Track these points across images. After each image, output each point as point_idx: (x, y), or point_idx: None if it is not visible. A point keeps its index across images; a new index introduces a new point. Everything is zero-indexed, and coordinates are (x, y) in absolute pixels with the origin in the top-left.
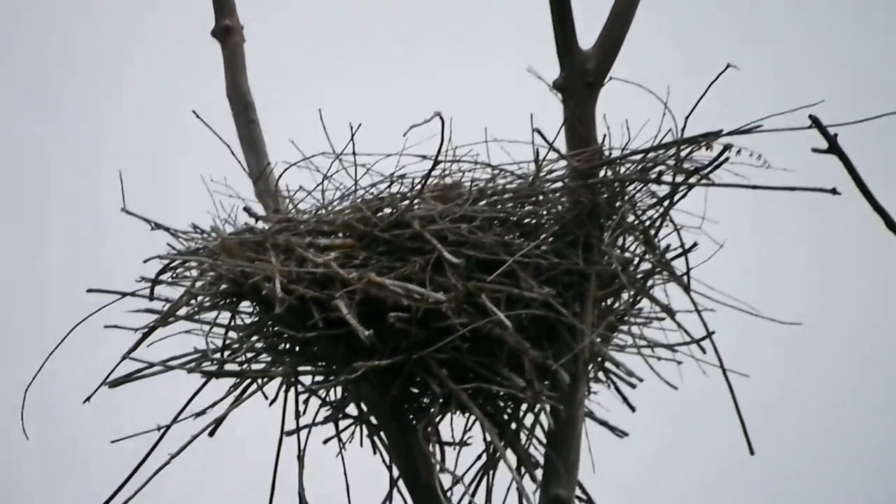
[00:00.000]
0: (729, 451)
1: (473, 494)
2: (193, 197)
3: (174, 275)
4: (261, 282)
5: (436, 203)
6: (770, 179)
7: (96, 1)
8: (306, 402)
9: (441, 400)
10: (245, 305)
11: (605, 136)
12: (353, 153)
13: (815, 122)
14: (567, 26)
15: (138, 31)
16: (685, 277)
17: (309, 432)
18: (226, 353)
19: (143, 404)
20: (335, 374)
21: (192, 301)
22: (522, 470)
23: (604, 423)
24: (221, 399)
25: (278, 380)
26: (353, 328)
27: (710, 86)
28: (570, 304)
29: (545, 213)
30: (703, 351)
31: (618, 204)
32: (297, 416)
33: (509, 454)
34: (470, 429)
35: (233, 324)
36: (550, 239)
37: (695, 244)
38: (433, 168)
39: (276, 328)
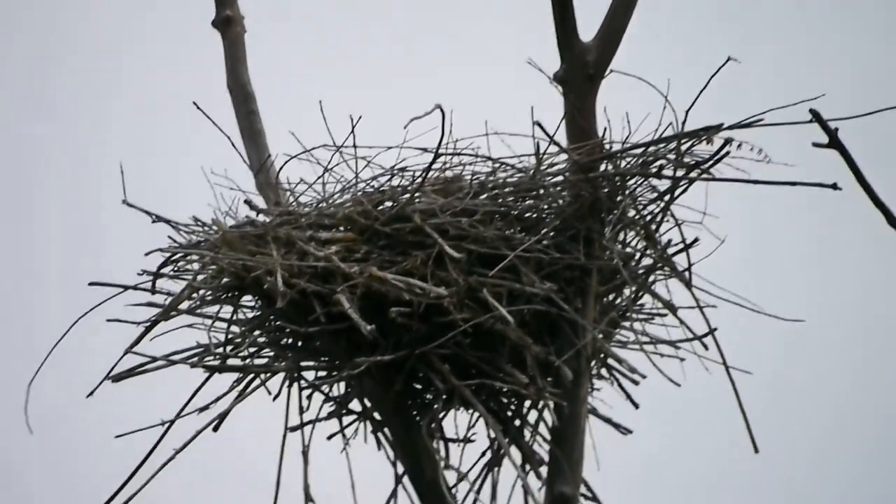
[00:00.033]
0: (732, 447)
1: (478, 491)
2: (194, 189)
3: (176, 268)
4: (262, 276)
5: (436, 197)
6: (771, 174)
7: None
8: (309, 397)
9: (444, 396)
10: (247, 299)
11: (605, 129)
12: (354, 146)
13: (816, 117)
14: (568, 18)
15: (138, 23)
16: (687, 273)
17: (313, 428)
18: (228, 348)
19: (146, 399)
20: (338, 369)
21: (194, 295)
22: (527, 467)
23: (607, 420)
24: (225, 394)
25: (281, 375)
26: (356, 323)
27: (710, 79)
28: (572, 299)
29: (546, 207)
30: (706, 347)
31: (619, 198)
32: (301, 411)
33: (513, 451)
34: (474, 425)
35: (235, 318)
36: (551, 233)
37: (696, 239)
38: (434, 161)
39: (278, 322)
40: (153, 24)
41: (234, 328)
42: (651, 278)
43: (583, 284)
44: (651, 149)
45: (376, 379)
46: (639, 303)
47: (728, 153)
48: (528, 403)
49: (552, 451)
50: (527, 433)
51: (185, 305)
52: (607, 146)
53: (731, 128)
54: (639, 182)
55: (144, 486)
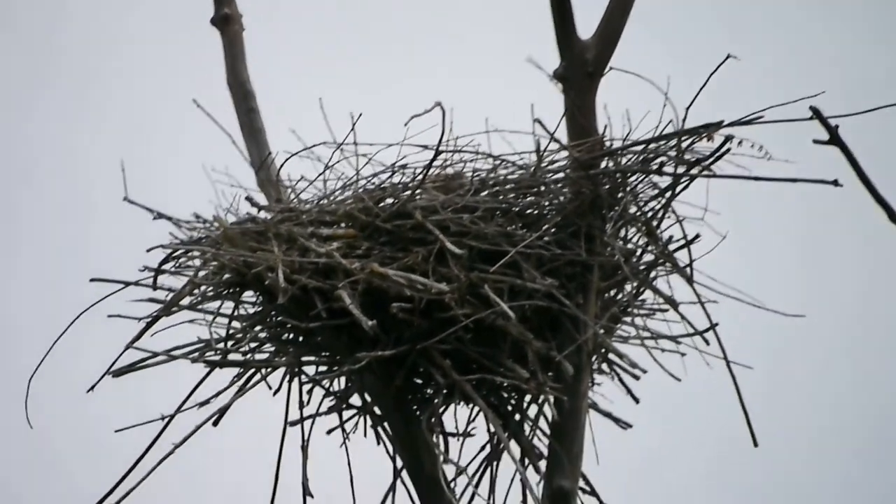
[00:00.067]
0: (732, 442)
1: (477, 486)
2: (195, 186)
3: (177, 264)
4: (263, 271)
5: (437, 193)
6: (771, 171)
7: None
8: (310, 392)
9: (445, 391)
10: (248, 295)
11: (606, 126)
12: (355, 143)
13: (816, 114)
14: (567, 16)
15: (137, 20)
16: (688, 269)
17: (313, 423)
18: (229, 343)
19: (146, 394)
20: (339, 364)
21: (196, 290)
22: (526, 461)
23: (607, 415)
24: (225, 389)
25: (282, 370)
26: (357, 318)
27: (710, 76)
28: (573, 295)
29: (547, 203)
30: (707, 343)
31: (619, 195)
32: (301, 406)
33: (513, 445)
34: (473, 419)
35: (236, 313)
36: (552, 230)
37: (697, 235)
38: (434, 158)
39: (279, 318)
40: (152, 21)
41: (235, 324)
42: (652, 274)
43: (584, 280)
44: (651, 146)
45: (377, 374)
46: (640, 298)
47: (728, 150)
48: (528, 398)
49: (551, 446)
50: (526, 428)
51: (186, 301)
52: (608, 143)
53: (731, 125)
54: (639, 179)
55: (143, 480)
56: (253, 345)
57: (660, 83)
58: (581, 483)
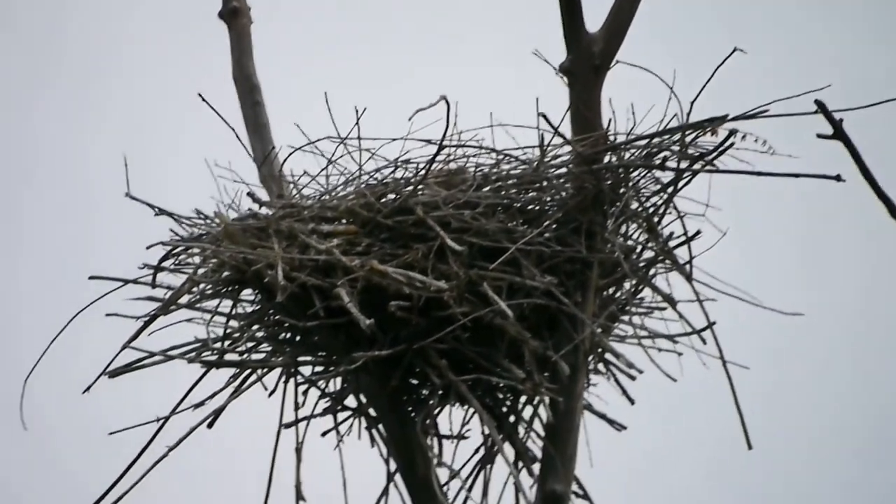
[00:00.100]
0: (728, 443)
1: (470, 489)
2: (198, 182)
3: (177, 261)
4: (263, 269)
5: (439, 189)
6: (775, 165)
7: None
8: (305, 393)
9: (440, 391)
10: (247, 293)
11: (610, 120)
12: (359, 137)
13: (821, 107)
14: (575, 9)
15: (144, 13)
16: (688, 266)
17: (307, 424)
18: (226, 343)
19: (142, 395)
20: (335, 364)
21: (195, 289)
22: (520, 464)
23: (602, 416)
24: (221, 390)
25: (278, 371)
26: (355, 317)
27: (716, 70)
28: (572, 292)
29: (549, 199)
30: (704, 342)
31: (621, 190)
32: (297, 407)
33: (507, 448)
34: (468, 421)
35: (234, 312)
36: (553, 226)
37: (698, 232)
38: (437, 153)
39: (277, 317)
40: (158, 14)
41: (233, 323)
42: (651, 271)
43: (583, 278)
44: (655, 140)
45: (373, 374)
46: (638, 296)
47: (732, 145)
48: (523, 399)
49: (545, 448)
50: (521, 429)
51: (184, 299)
52: (611, 138)
53: (735, 119)
54: (642, 174)
55: (138, 482)
56: (250, 345)
57: (665, 77)
58: (574, 486)
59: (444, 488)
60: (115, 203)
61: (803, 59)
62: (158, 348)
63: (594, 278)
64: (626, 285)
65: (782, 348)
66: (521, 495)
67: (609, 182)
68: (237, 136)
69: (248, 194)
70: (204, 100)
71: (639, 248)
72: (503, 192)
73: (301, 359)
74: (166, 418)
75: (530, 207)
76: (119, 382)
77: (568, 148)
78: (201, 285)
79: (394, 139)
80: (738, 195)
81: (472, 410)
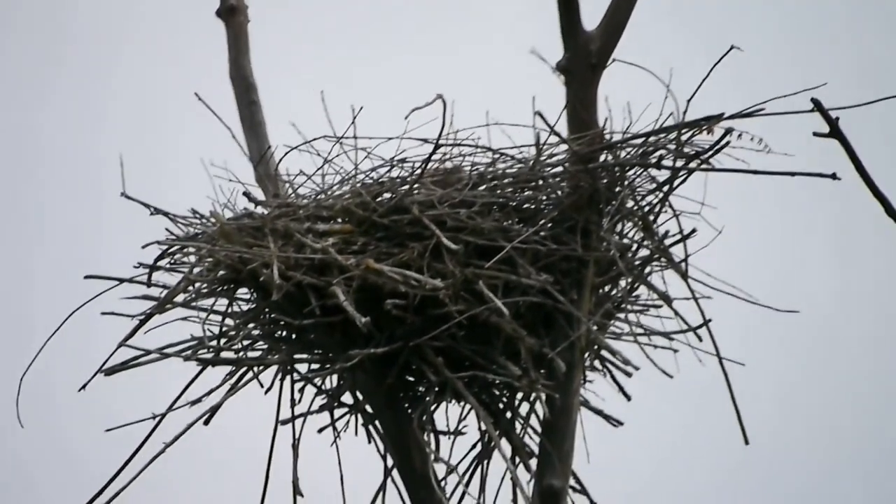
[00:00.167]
0: (724, 440)
1: (467, 484)
2: (194, 181)
3: (172, 261)
4: (259, 268)
5: (435, 188)
6: (771, 164)
7: None
8: (301, 390)
9: (437, 388)
10: (242, 292)
11: (606, 119)
12: (355, 136)
13: (817, 106)
14: (572, 7)
15: (141, 12)
16: (683, 264)
17: (304, 421)
18: (222, 341)
19: (138, 392)
20: (331, 362)
21: (190, 287)
22: (517, 460)
23: (599, 412)
24: (217, 387)
25: (274, 368)
26: (351, 315)
27: (712, 68)
28: (568, 291)
29: (544, 198)
30: (700, 339)
31: (617, 189)
32: (293, 404)
33: (504, 444)
34: (465, 418)
35: (230, 311)
36: (549, 225)
37: (693, 230)
38: (433, 152)
39: (272, 315)
40: (155, 13)
41: (229, 321)
42: (647, 269)
43: (579, 276)
44: (651, 139)
45: (369, 372)
46: (634, 294)
47: (728, 143)
48: (520, 396)
49: (542, 444)
50: (518, 425)
51: (180, 298)
52: (608, 136)
53: (731, 117)
54: (638, 172)
55: (134, 479)
56: (246, 343)
57: (662, 75)
58: (571, 481)
59: (442, 483)
60: (111, 202)
61: (799, 57)
62: (155, 346)
63: (590, 276)
64: (622, 283)
65: (778, 345)
66: (518, 490)
67: (605, 180)
68: (233, 136)
69: (244, 193)
70: (200, 99)
71: (634, 246)
72: (499, 191)
73: (297, 356)
74: (163, 415)
75: (526, 206)
76: (116, 381)
77: (564, 146)
78: (197, 284)
79: (390, 138)
80: (733, 193)
81: (468, 407)
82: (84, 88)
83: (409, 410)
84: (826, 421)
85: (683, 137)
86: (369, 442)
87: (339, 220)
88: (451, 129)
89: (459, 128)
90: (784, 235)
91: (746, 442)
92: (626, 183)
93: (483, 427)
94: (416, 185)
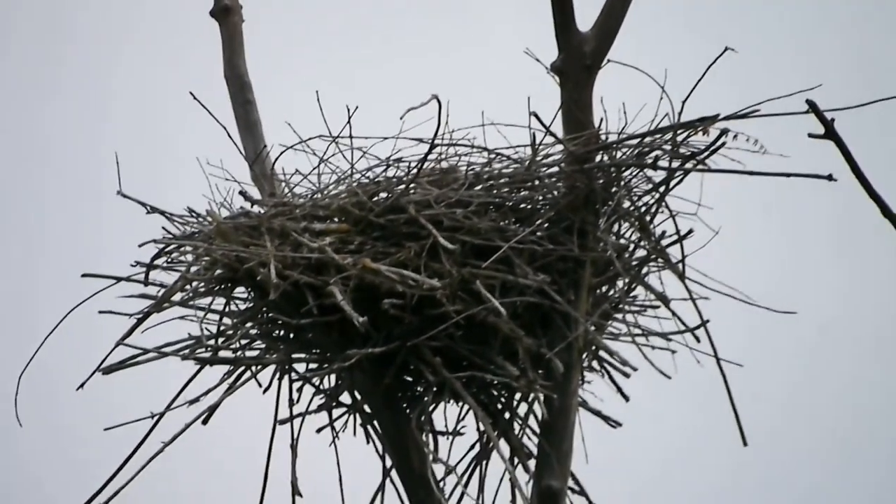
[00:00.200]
0: (723, 441)
1: (466, 485)
2: (190, 180)
3: (169, 259)
4: (255, 267)
5: (431, 188)
6: (766, 165)
7: None
8: (300, 390)
9: (435, 388)
10: (240, 291)
11: (602, 119)
12: (350, 136)
13: (812, 107)
14: (566, 8)
15: (136, 12)
16: (680, 265)
17: (302, 421)
18: (220, 340)
19: (136, 391)
20: (329, 361)
21: (187, 286)
22: (515, 460)
23: (597, 413)
24: (215, 386)
25: (272, 367)
26: (348, 315)
27: (707, 69)
28: (565, 291)
29: (541, 198)
30: (698, 340)
31: (614, 189)
32: (291, 404)
33: (502, 444)
34: (463, 418)
35: (227, 310)
36: (546, 225)
37: (690, 231)
38: (429, 152)
39: (270, 314)
40: (151, 13)
41: (227, 320)
42: (644, 270)
43: (576, 276)
44: (647, 139)
45: (367, 371)
46: (631, 294)
47: (724, 144)
48: (518, 396)
49: (541, 445)
50: (516, 426)
51: (177, 297)
52: (603, 137)
53: (727, 118)
54: (634, 173)
55: (133, 478)
56: (243, 342)
57: (657, 76)
58: (570, 482)
59: (440, 484)
60: (109, 201)
61: (794, 58)
62: (152, 345)
63: (587, 277)
64: (619, 283)
65: (775, 346)
66: (517, 491)
67: (601, 181)
68: (229, 135)
69: (240, 193)
70: (195, 98)
71: (631, 246)
72: (495, 191)
73: (295, 356)
74: (161, 414)
75: (522, 206)
76: (113, 380)
77: (560, 147)
78: (194, 283)
79: (385, 138)
80: (729, 194)
81: (466, 407)
82: (81, 88)
83: (408, 410)
84: (825, 421)
85: (679, 138)
86: (368, 442)
87: (336, 219)
88: (446, 129)
89: (455, 128)
90: (780, 236)
91: (745, 443)
92: (622, 183)
93: (481, 427)
94: (412, 185)
